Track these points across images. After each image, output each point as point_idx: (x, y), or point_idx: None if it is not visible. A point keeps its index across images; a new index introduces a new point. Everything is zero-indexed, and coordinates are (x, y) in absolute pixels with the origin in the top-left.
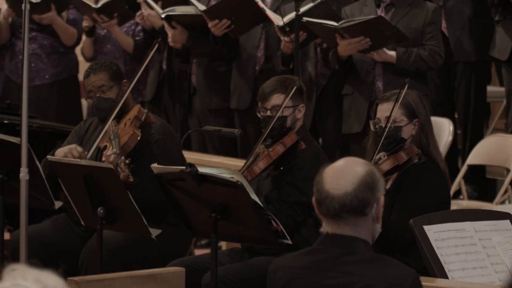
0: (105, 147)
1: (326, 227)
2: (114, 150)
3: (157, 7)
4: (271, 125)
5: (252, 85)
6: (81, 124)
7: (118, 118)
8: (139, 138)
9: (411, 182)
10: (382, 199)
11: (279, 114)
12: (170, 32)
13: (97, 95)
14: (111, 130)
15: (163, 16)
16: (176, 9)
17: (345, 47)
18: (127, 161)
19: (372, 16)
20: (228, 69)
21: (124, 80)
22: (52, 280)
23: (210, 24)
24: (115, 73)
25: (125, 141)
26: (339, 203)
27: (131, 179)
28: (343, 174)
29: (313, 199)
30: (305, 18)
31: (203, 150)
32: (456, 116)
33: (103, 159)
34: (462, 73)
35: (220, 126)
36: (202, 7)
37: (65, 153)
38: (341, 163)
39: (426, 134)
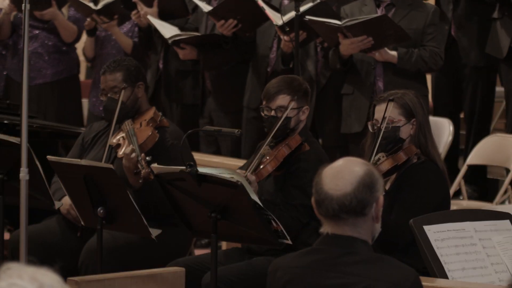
0: (118, 145)
1: (326, 228)
2: (133, 147)
3: (162, 29)
4: (277, 126)
5: (264, 85)
6: (86, 131)
7: (132, 118)
8: (157, 139)
9: (410, 182)
10: (381, 199)
11: (284, 115)
12: (180, 53)
13: (109, 95)
14: (128, 128)
15: (170, 42)
16: (182, 33)
17: (348, 46)
18: (147, 158)
19: (377, 15)
20: (238, 71)
21: (140, 82)
22: (48, 278)
23: (217, 25)
24: (131, 74)
25: (144, 140)
26: (338, 204)
27: (152, 177)
28: (341, 174)
29: (312, 200)
30: (307, 17)
31: (216, 151)
32: (462, 116)
33: (119, 154)
34: (469, 77)
35: (232, 128)
36: (207, 8)
37: (66, 210)
38: (339, 163)
39: (424, 134)
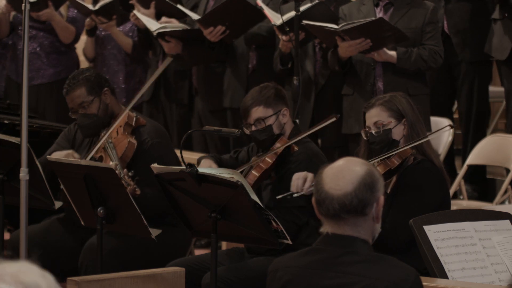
0: (101, 157)
1: (326, 227)
2: (115, 162)
3: (148, 23)
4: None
5: (245, 83)
6: (70, 127)
7: (108, 125)
8: (136, 146)
9: (408, 183)
10: (382, 199)
11: (260, 126)
12: (165, 46)
13: (79, 111)
14: (106, 142)
15: (155, 34)
16: (167, 25)
17: (346, 48)
18: (130, 174)
19: (373, 18)
20: (225, 69)
21: (105, 89)
22: (31, 276)
23: (205, 32)
24: (93, 84)
25: (123, 151)
26: (339, 204)
27: (138, 192)
28: (342, 174)
29: (313, 200)
30: (304, 22)
31: (205, 150)
32: (457, 116)
33: None
34: (465, 73)
35: (221, 127)
36: (196, 16)
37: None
38: (340, 163)
39: (417, 133)
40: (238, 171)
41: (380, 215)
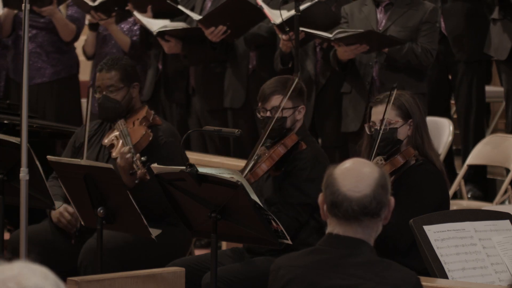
0: (112, 145)
1: (335, 229)
2: (129, 147)
3: (149, 24)
4: (271, 126)
5: (246, 84)
6: (78, 131)
7: (125, 118)
8: (151, 138)
9: (409, 184)
10: (392, 200)
11: (278, 115)
12: (165, 45)
13: (104, 92)
14: (121, 128)
15: (155, 33)
16: (168, 25)
17: (343, 52)
18: (142, 159)
19: (362, 31)
20: (224, 69)
21: (135, 83)
22: (32, 279)
23: (206, 32)
24: (128, 74)
25: (138, 140)
26: (358, 206)
27: (148, 177)
28: (360, 176)
29: (325, 201)
30: (301, 29)
31: (203, 150)
32: (455, 116)
33: (114, 155)
34: (462, 73)
35: (219, 126)
36: (197, 17)
37: (57, 218)
38: (351, 164)
39: (421, 134)
40: (247, 162)
41: (389, 217)
